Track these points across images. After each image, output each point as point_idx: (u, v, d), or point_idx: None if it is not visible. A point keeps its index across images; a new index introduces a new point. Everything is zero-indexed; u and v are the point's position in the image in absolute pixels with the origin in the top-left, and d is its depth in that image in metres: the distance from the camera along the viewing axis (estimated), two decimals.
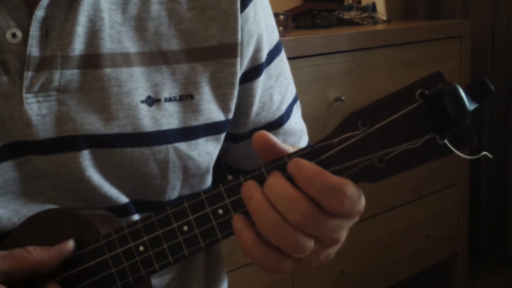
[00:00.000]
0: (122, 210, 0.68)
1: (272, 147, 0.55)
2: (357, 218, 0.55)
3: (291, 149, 0.55)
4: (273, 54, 0.77)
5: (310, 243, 0.53)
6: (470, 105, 0.49)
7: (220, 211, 0.56)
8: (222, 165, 0.84)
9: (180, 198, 0.71)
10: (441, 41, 2.16)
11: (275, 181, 0.53)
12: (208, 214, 0.57)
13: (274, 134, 0.79)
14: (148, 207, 0.70)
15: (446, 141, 0.49)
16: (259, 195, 0.53)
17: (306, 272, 0.59)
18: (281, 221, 0.52)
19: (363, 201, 0.53)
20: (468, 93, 0.49)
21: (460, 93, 0.48)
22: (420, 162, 0.51)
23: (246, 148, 0.79)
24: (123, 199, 0.68)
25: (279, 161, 0.54)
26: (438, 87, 0.49)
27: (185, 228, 0.57)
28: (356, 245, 2.00)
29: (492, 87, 0.49)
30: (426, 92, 0.50)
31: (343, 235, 0.55)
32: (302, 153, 0.54)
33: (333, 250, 0.58)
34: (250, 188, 0.54)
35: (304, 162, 0.52)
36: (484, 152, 0.52)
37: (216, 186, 0.57)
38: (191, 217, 0.57)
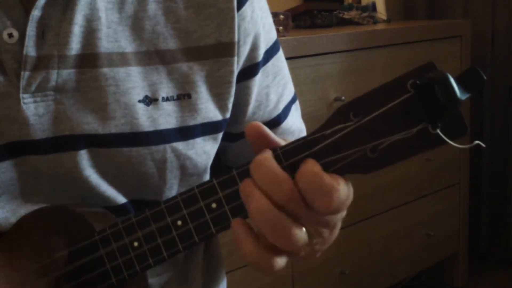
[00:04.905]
0: (120, 210, 0.68)
1: (265, 138, 0.55)
2: (345, 213, 0.55)
3: (283, 142, 0.55)
4: (270, 53, 0.77)
5: (303, 235, 0.52)
6: (462, 95, 0.49)
7: (214, 205, 0.56)
8: (220, 164, 0.84)
9: None
10: (441, 41, 2.16)
11: (263, 159, 0.52)
12: (201, 208, 0.57)
13: None
14: (146, 207, 0.70)
15: (438, 130, 0.49)
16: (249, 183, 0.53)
17: (307, 263, 0.58)
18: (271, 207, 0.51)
19: (351, 197, 0.53)
20: (460, 82, 0.49)
21: (451, 81, 0.48)
22: (414, 152, 0.51)
23: (243, 147, 0.79)
24: (121, 199, 0.68)
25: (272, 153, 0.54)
26: (428, 76, 0.49)
27: (179, 223, 0.57)
28: (356, 245, 2.00)
29: (484, 76, 0.49)
30: (418, 82, 0.50)
31: (334, 222, 0.55)
32: (295, 145, 0.54)
33: (331, 237, 0.58)
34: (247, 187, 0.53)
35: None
36: (476, 141, 0.52)
37: (208, 180, 0.56)
38: (184, 212, 0.57)
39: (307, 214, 0.52)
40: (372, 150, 0.51)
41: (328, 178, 0.51)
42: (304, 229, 0.52)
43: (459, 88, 0.49)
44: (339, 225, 0.58)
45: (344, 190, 0.51)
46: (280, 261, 0.54)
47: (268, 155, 0.52)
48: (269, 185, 0.51)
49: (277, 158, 0.54)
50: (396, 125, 0.50)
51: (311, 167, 0.51)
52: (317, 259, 0.59)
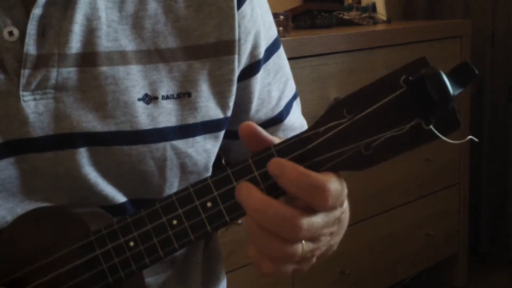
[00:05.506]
0: (120, 210, 0.68)
1: (258, 136, 0.55)
2: (343, 207, 0.56)
3: (277, 140, 0.55)
4: (271, 50, 0.77)
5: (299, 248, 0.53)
6: (454, 90, 0.49)
7: (209, 204, 0.56)
8: (221, 162, 0.84)
9: None
10: (441, 41, 2.16)
11: (250, 198, 0.53)
12: (197, 207, 0.57)
13: (275, 131, 0.79)
14: None
15: (431, 126, 0.50)
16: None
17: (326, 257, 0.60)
18: (268, 235, 0.52)
19: (345, 192, 0.53)
20: (452, 77, 0.49)
21: (442, 77, 0.49)
22: (407, 148, 0.51)
23: None
24: (121, 198, 0.68)
25: (266, 151, 0.55)
26: (420, 72, 0.49)
27: (175, 222, 0.58)
28: (356, 245, 2.00)
29: (476, 70, 0.50)
30: (410, 78, 0.50)
31: (335, 217, 0.55)
32: (289, 143, 0.54)
33: (335, 240, 0.59)
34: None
35: (285, 163, 0.53)
36: (469, 136, 0.53)
37: (203, 179, 0.57)
38: (180, 211, 0.57)
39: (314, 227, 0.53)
40: (366, 147, 0.51)
41: (315, 174, 0.51)
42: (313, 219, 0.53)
43: (451, 83, 0.49)
44: (345, 217, 0.59)
45: (336, 182, 0.52)
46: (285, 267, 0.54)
47: (246, 190, 0.53)
48: (273, 224, 0.52)
49: (271, 156, 0.54)
50: (390, 122, 0.51)
51: (296, 171, 0.52)
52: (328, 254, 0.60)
